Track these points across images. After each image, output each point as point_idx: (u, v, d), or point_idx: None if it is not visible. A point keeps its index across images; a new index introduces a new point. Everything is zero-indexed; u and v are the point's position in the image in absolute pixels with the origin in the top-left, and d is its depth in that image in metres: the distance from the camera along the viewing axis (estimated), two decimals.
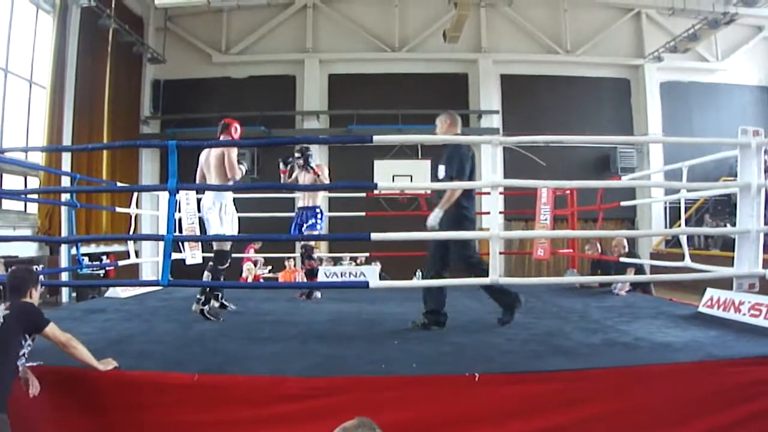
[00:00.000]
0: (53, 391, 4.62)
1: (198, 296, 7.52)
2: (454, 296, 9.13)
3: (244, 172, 7.66)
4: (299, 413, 4.47)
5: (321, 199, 10.00)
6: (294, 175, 9.77)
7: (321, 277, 11.66)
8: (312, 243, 9.91)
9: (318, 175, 9.51)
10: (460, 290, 9.87)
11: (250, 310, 8.28)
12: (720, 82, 23.43)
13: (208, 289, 7.45)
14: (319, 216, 9.71)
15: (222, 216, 7.60)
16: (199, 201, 9.56)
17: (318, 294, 9.58)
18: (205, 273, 7.69)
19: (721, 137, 13.33)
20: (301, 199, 9.88)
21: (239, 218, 8.35)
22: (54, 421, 4.68)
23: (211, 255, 8.07)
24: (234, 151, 7.47)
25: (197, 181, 7.98)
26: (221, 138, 7.75)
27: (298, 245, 10.06)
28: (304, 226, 9.64)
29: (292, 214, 9.56)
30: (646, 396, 4.72)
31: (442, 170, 6.94)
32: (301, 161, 9.56)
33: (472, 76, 22.89)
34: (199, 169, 7.86)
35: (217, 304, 7.88)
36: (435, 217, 6.81)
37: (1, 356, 4.25)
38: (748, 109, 22.93)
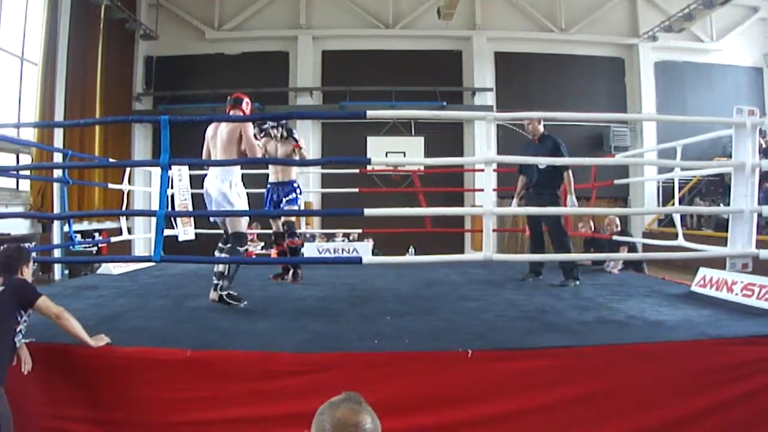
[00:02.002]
0: (46, 367, 4.62)
1: (215, 281, 6.76)
2: (443, 272, 9.14)
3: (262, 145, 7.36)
4: (292, 389, 4.48)
5: (296, 173, 9.15)
6: (263, 145, 8.71)
7: (314, 253, 11.64)
8: (293, 219, 9.23)
9: (300, 148, 8.81)
10: (449, 267, 9.88)
11: (241, 286, 8.26)
12: (714, 63, 23.37)
13: (226, 273, 6.82)
14: (298, 191, 8.92)
15: (233, 195, 6.91)
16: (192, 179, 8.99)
17: (300, 273, 9.00)
18: (223, 256, 7.08)
19: None
20: (274, 174, 8.92)
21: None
22: (46, 397, 4.69)
23: (206, 232, 7.96)
24: (251, 129, 6.96)
25: (203, 158, 7.36)
26: (231, 114, 7.18)
27: (275, 223, 9.11)
28: (283, 201, 8.78)
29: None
30: (638, 374, 4.74)
31: (544, 160, 8.00)
32: (276, 131, 8.74)
33: (466, 53, 22.80)
34: (205, 146, 7.25)
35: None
36: (572, 199, 8.44)
37: None
38: (742, 90, 22.87)
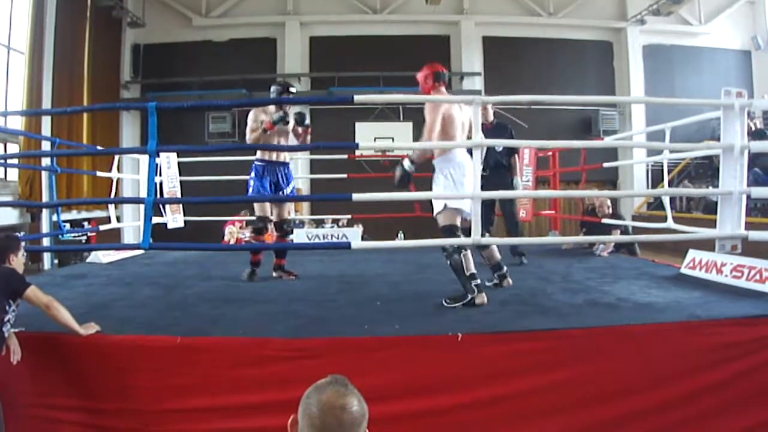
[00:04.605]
0: (35, 356, 4.60)
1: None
2: (434, 257, 9.15)
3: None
4: (282, 375, 4.48)
5: None
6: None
7: (303, 239, 11.61)
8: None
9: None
10: (438, 251, 9.87)
11: (232, 273, 8.25)
12: (703, 46, 23.34)
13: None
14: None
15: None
16: None
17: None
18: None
19: None
20: (274, 152, 7.87)
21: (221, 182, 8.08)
22: (36, 386, 4.68)
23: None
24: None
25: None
26: (438, 90, 6.82)
27: (279, 208, 8.14)
28: (289, 188, 8.02)
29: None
30: (628, 355, 4.76)
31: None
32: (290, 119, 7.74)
33: (454, 38, 22.73)
34: (443, 122, 6.42)
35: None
36: (518, 180, 9.13)
37: None
38: (731, 73, 22.82)
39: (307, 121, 7.93)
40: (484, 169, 8.14)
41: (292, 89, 7.90)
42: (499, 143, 7.58)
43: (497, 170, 8.89)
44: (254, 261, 7.97)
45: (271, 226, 8.14)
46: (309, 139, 8.08)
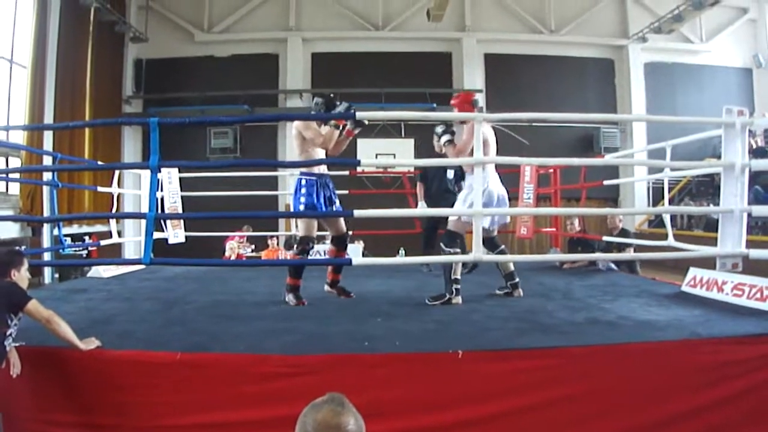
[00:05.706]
0: (35, 370, 4.60)
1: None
2: (433, 274, 9.18)
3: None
4: (281, 391, 4.46)
5: None
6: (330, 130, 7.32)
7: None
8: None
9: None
10: (439, 268, 9.87)
11: (232, 289, 8.24)
12: (704, 64, 23.40)
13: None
14: None
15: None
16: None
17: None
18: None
19: None
20: (321, 166, 7.50)
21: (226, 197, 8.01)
22: (36, 400, 4.67)
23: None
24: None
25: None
26: None
27: (335, 224, 7.84)
28: (336, 202, 7.57)
29: (276, 192, 8.34)
30: (629, 373, 4.74)
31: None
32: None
33: (455, 54, 22.76)
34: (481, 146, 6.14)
35: None
36: None
37: None
38: (732, 91, 22.82)
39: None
40: (432, 192, 8.43)
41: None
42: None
43: (444, 195, 9.38)
44: (296, 285, 7.33)
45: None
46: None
